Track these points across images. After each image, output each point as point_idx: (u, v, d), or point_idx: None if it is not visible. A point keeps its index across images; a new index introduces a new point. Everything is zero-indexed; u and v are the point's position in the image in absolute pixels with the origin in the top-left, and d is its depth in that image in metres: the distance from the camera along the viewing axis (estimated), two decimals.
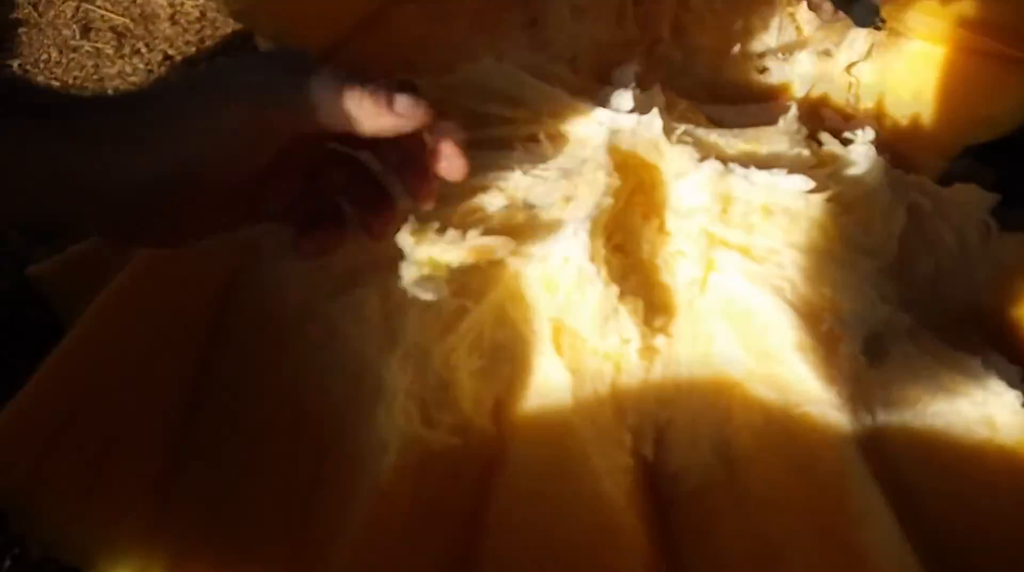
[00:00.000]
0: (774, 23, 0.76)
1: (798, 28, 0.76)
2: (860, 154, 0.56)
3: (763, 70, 0.74)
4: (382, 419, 0.39)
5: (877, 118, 0.73)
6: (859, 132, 0.58)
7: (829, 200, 0.48)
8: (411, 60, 0.68)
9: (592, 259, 0.43)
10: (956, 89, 0.70)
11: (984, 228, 0.56)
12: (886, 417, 0.42)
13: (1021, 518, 0.42)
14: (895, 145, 0.72)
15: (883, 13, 0.65)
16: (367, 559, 0.38)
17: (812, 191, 0.48)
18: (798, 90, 0.74)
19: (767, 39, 0.75)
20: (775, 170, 0.49)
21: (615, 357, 0.44)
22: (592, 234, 0.43)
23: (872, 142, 0.57)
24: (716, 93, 0.75)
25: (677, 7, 0.73)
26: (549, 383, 0.43)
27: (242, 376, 0.45)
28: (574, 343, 0.44)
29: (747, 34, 0.76)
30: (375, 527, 0.38)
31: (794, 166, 0.55)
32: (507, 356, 0.43)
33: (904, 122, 0.72)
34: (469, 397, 0.41)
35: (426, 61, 0.68)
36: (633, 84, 0.53)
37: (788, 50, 0.74)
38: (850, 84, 0.74)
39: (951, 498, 0.42)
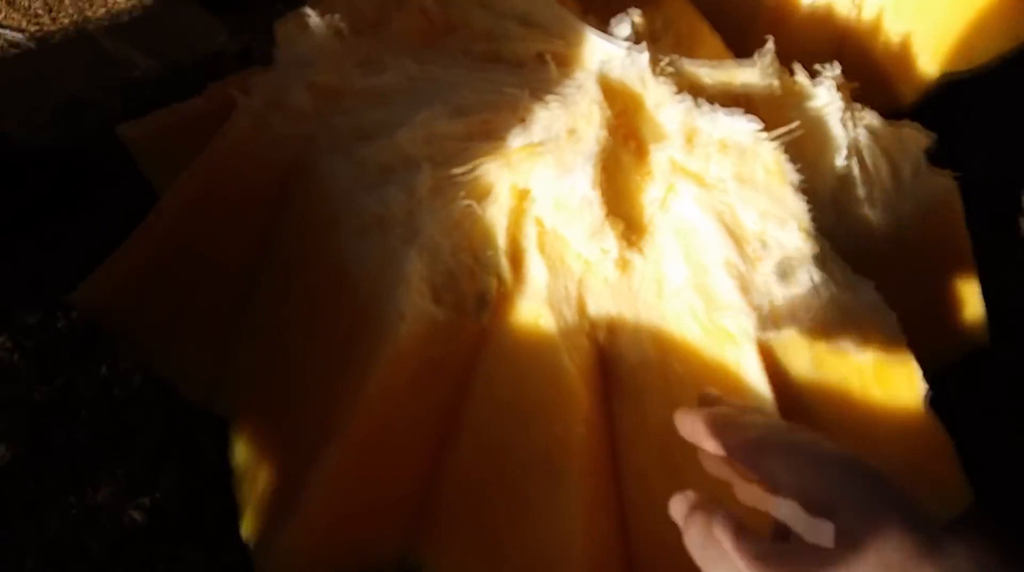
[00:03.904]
0: None
1: None
2: (821, 90, 0.70)
3: None
4: (402, 296, 0.55)
5: (874, 33, 0.87)
6: (827, 67, 0.72)
7: (775, 141, 0.63)
8: None
9: (593, 187, 0.58)
10: (949, 14, 0.83)
11: (917, 165, 0.72)
12: (786, 324, 0.58)
13: (884, 413, 0.59)
14: (885, 60, 0.86)
15: None
16: (387, 400, 0.55)
17: (761, 131, 0.63)
18: None
19: None
20: (735, 110, 0.63)
21: (588, 261, 0.60)
22: (594, 167, 0.58)
23: (836, 79, 0.71)
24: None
25: None
26: (532, 277, 0.59)
27: (295, 250, 0.62)
28: (556, 247, 0.60)
29: None
30: (393, 377, 0.55)
31: (763, 99, 0.71)
32: (503, 251, 0.59)
33: (897, 39, 0.86)
34: (469, 283, 0.58)
35: None
36: (629, 28, 0.67)
37: None
38: None
39: (828, 393, 0.58)
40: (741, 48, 0.81)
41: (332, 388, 0.57)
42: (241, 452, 0.61)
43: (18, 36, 0.89)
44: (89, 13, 0.92)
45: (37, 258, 0.77)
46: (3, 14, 0.91)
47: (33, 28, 0.90)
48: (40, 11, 0.92)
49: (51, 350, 0.72)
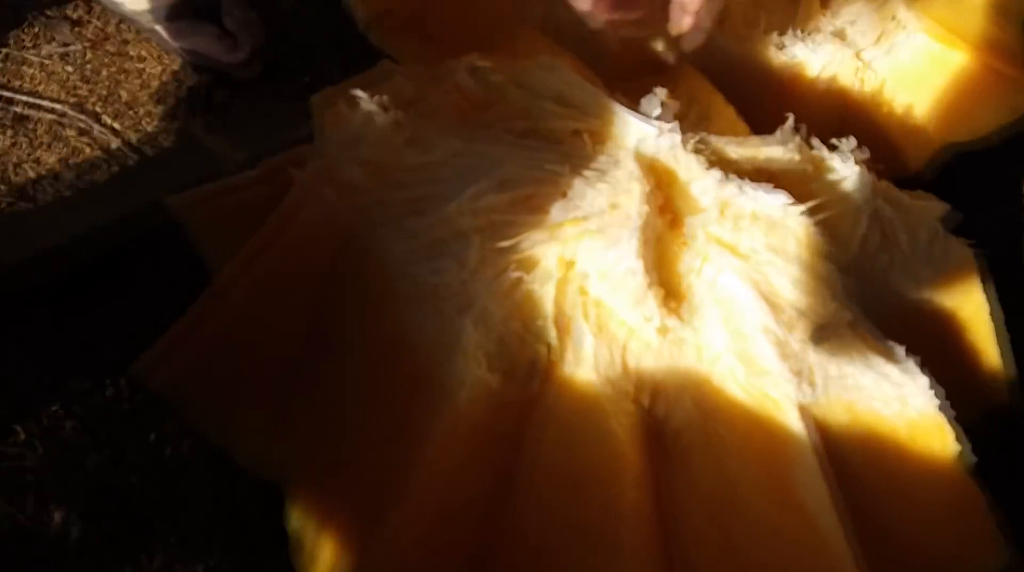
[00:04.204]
0: (802, 1, 0.93)
1: (822, 11, 0.94)
2: (840, 162, 0.74)
3: (784, 48, 0.92)
4: (460, 364, 0.58)
5: (878, 104, 0.92)
6: (844, 140, 0.77)
7: (803, 213, 0.67)
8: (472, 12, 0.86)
9: (637, 259, 0.62)
10: (949, 88, 0.89)
11: (934, 232, 0.76)
12: (823, 388, 0.61)
13: (920, 472, 0.62)
14: (890, 131, 0.91)
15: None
16: (447, 465, 0.57)
17: (791, 204, 0.66)
18: (813, 70, 0.92)
19: (792, 17, 0.93)
20: (765, 185, 0.67)
21: (632, 328, 0.63)
22: (639, 240, 0.62)
23: (853, 152, 0.76)
24: (741, 66, 0.94)
25: None
26: (579, 344, 0.62)
27: (351, 318, 0.65)
28: (601, 315, 0.63)
29: (775, 10, 0.94)
30: (452, 443, 0.57)
31: (785, 171, 0.75)
32: (551, 319, 0.62)
33: (902, 110, 0.90)
34: (520, 351, 0.61)
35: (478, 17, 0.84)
36: (658, 105, 0.71)
37: (809, 31, 0.92)
38: (858, 68, 0.92)
39: (866, 454, 0.61)
40: (751, 117, 0.86)
41: (392, 454, 0.60)
42: (298, 518, 0.62)
43: (59, 107, 0.92)
44: (125, 85, 0.95)
45: (86, 327, 0.79)
46: (43, 85, 0.94)
47: (72, 99, 0.93)
48: (78, 83, 0.95)
49: (101, 418, 0.74)
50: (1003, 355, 0.72)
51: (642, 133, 0.70)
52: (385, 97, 0.68)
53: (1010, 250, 0.91)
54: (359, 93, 0.68)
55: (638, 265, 0.62)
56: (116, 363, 0.74)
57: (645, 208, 0.64)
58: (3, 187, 0.88)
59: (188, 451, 0.71)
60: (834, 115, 0.93)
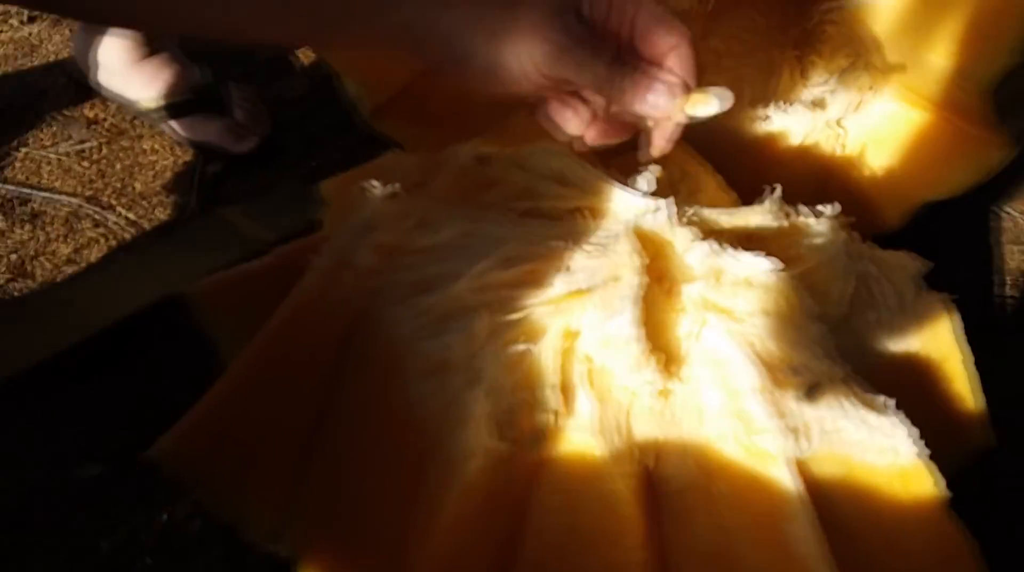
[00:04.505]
0: (782, 74, 0.99)
1: (801, 82, 1.00)
2: (824, 227, 0.78)
3: (766, 118, 0.97)
4: (470, 435, 0.61)
5: (857, 166, 0.96)
6: (828, 206, 0.81)
7: (793, 277, 0.70)
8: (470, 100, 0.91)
9: (636, 327, 0.65)
10: (922, 149, 0.93)
11: (916, 288, 0.80)
12: (818, 443, 0.64)
13: (909, 521, 0.64)
14: (869, 191, 0.96)
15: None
16: (457, 534, 0.59)
17: (781, 269, 0.70)
18: (794, 137, 0.97)
19: (773, 89, 0.98)
20: (756, 252, 0.71)
21: (633, 391, 0.66)
22: (637, 309, 0.65)
23: (836, 216, 0.80)
24: (724, 137, 0.98)
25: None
26: (582, 409, 0.65)
27: (360, 396, 0.67)
28: (603, 380, 0.66)
29: (756, 83, 0.99)
30: (462, 511, 0.59)
31: (773, 237, 0.79)
32: (556, 387, 0.65)
33: (879, 172, 0.95)
34: (527, 418, 0.64)
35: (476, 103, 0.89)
36: (652, 181, 0.75)
37: (789, 101, 0.97)
38: (838, 135, 0.97)
39: (860, 506, 0.64)
40: (735, 185, 0.90)
41: (402, 526, 0.62)
42: None
43: (75, 201, 0.96)
44: (139, 176, 1.00)
45: (96, 411, 0.82)
46: (60, 181, 0.98)
47: (87, 193, 0.98)
48: (94, 177, 0.99)
49: (113, 502, 0.76)
50: (974, 393, 0.75)
51: (638, 209, 0.74)
52: (397, 184, 0.72)
53: (988, 301, 0.95)
54: (372, 182, 0.72)
55: (638, 333, 0.65)
56: (126, 447, 0.76)
57: (645, 279, 0.67)
58: (19, 278, 0.91)
59: (199, 531, 0.73)
60: (816, 180, 0.98)
